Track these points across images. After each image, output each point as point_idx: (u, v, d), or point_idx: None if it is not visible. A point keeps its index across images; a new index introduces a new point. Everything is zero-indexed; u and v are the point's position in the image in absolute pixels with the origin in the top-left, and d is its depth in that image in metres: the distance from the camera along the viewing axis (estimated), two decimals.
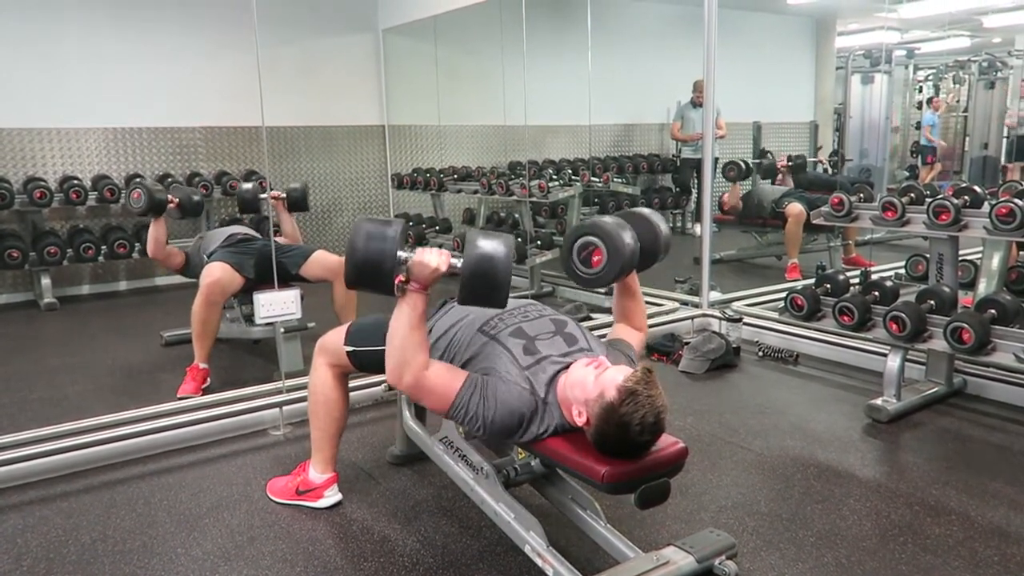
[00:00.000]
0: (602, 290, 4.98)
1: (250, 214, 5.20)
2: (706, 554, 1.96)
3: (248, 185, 4.22)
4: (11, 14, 5.21)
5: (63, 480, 2.62)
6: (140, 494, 2.52)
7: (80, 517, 2.38)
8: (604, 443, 1.72)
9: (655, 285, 4.52)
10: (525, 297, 2.54)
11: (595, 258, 2.08)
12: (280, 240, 3.96)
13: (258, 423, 3.03)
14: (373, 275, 1.80)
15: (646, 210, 2.30)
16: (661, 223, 2.24)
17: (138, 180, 5.12)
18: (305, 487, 2.40)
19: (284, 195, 4.11)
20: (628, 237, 2.07)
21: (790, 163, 6.23)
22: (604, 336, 2.23)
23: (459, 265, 1.80)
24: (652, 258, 2.22)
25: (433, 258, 1.80)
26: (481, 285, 1.80)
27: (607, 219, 2.12)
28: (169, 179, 5.66)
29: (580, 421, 1.78)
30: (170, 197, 3.77)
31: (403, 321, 1.83)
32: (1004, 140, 8.49)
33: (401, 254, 1.80)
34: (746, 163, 6.00)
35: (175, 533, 2.27)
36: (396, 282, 1.81)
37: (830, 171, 7.70)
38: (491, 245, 1.79)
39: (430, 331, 2.13)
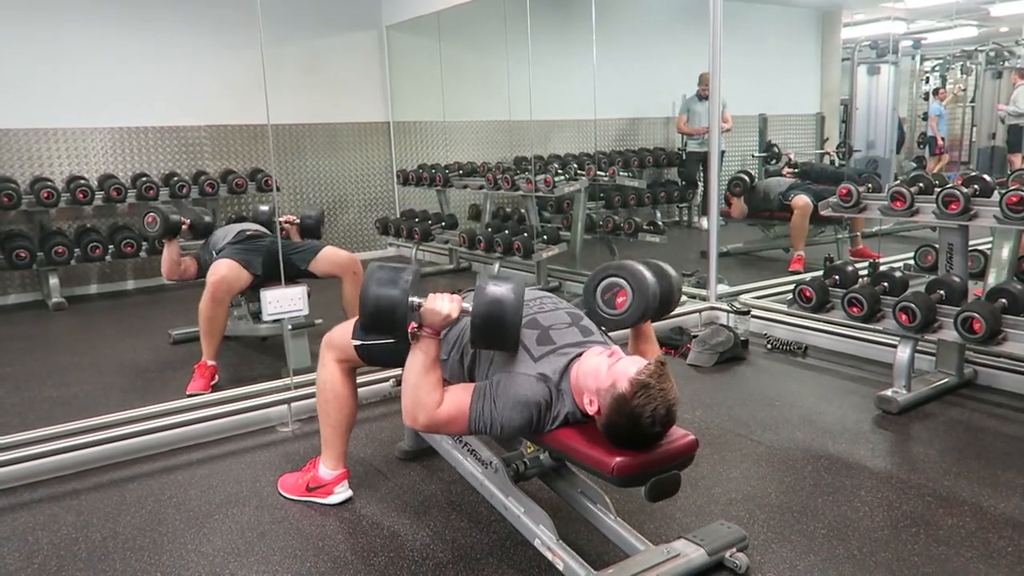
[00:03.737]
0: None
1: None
2: (717, 547, 1.96)
3: (265, 208, 4.23)
4: (17, 15, 5.22)
5: (73, 478, 2.63)
6: (150, 491, 2.53)
7: (90, 515, 2.39)
8: (614, 433, 1.72)
9: None
10: None
11: (619, 299, 2.09)
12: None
13: (267, 420, 3.03)
14: (387, 322, 1.84)
15: (660, 262, 2.29)
16: (674, 273, 2.24)
17: (152, 204, 5.09)
18: (316, 483, 2.40)
19: (298, 220, 4.10)
20: (652, 281, 2.07)
21: (795, 169, 6.30)
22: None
23: (470, 309, 1.84)
24: (666, 307, 2.22)
25: (444, 305, 1.85)
26: (491, 329, 1.83)
27: (630, 262, 2.12)
28: (175, 178, 5.67)
29: (591, 410, 1.77)
30: (182, 219, 3.73)
31: (417, 365, 1.86)
32: (1006, 129, 8.42)
33: (414, 300, 1.83)
34: (751, 176, 6.09)
35: (185, 530, 2.28)
36: (409, 329, 1.86)
37: (837, 162, 7.66)
38: (500, 290, 1.83)
39: None
